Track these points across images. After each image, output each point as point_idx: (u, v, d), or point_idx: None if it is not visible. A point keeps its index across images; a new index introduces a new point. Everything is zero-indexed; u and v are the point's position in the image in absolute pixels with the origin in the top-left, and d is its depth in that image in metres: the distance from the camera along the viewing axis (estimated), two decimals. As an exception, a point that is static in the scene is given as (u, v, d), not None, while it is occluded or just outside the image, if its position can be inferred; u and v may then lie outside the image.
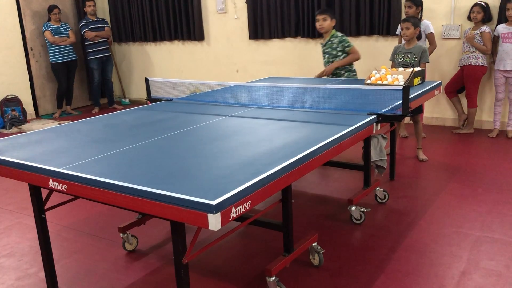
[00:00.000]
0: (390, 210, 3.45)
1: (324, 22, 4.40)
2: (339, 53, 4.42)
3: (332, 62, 4.44)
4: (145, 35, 8.02)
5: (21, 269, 2.88)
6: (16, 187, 4.28)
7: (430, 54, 4.95)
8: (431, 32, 5.03)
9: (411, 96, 3.02)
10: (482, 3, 5.07)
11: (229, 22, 7.13)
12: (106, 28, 7.72)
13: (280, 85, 3.80)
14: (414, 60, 4.34)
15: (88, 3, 7.50)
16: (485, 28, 5.02)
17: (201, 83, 4.33)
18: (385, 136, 3.65)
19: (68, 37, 7.38)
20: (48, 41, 7.24)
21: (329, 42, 4.45)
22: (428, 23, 5.03)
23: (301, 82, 4.30)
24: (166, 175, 1.89)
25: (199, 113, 3.13)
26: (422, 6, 4.98)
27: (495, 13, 5.16)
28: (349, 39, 4.49)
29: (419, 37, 4.94)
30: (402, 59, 4.38)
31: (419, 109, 4.40)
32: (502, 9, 5.04)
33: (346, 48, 4.40)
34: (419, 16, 4.98)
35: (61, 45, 7.28)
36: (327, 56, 4.51)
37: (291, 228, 2.53)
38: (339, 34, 4.46)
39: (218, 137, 2.48)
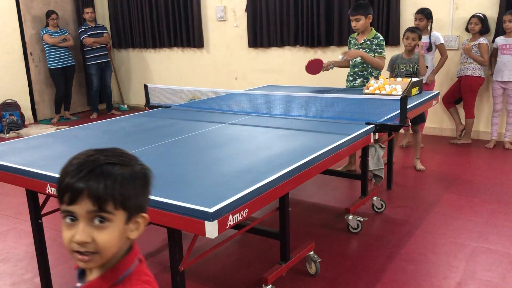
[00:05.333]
0: (387, 219, 3.45)
1: (357, 23, 4.08)
2: (371, 54, 4.14)
3: (368, 65, 4.15)
4: (144, 41, 8.04)
5: (16, 275, 2.87)
6: (13, 192, 4.26)
7: (442, 65, 5.12)
8: (442, 43, 5.07)
9: (409, 106, 3.03)
10: (480, 15, 5.11)
11: (228, 30, 7.16)
12: (104, 34, 7.74)
13: (279, 93, 3.81)
14: (416, 68, 4.37)
15: (86, 10, 7.54)
16: (482, 40, 5.06)
17: (200, 90, 4.35)
18: (382, 146, 3.66)
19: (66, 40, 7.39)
20: (47, 46, 7.24)
21: (368, 42, 4.14)
22: (438, 34, 5.08)
23: (299, 90, 4.32)
24: (164, 182, 1.90)
25: (198, 120, 3.13)
26: (432, 19, 5.02)
27: (493, 25, 5.20)
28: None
29: (429, 49, 5.01)
30: (404, 68, 4.38)
31: (421, 119, 4.42)
32: (500, 21, 5.08)
33: (376, 54, 4.12)
34: (430, 28, 5.02)
35: (59, 50, 7.28)
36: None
37: (288, 237, 2.52)
38: (381, 36, 4.16)
39: (216, 145, 2.48)
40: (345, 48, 4.42)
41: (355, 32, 4.27)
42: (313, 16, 6.25)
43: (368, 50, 4.12)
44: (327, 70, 4.33)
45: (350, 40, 4.34)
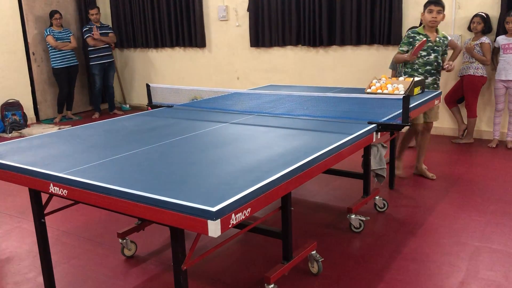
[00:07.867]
0: (389, 219, 3.45)
1: (438, 15, 3.95)
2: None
3: (440, 62, 4.11)
4: (146, 41, 8.05)
5: (19, 274, 2.88)
6: (15, 191, 4.27)
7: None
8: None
9: (411, 106, 3.03)
10: (483, 14, 5.10)
11: (230, 30, 7.16)
12: (110, 34, 7.75)
13: (281, 93, 3.81)
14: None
15: (91, 12, 7.54)
16: (484, 39, 5.05)
17: (202, 90, 4.35)
18: (385, 145, 3.66)
19: (70, 42, 7.41)
20: (50, 46, 7.27)
21: (440, 41, 4.08)
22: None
23: (301, 90, 4.32)
24: (167, 181, 1.90)
25: (200, 120, 3.14)
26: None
27: (495, 24, 5.20)
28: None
29: None
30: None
31: None
32: (502, 20, 5.07)
33: (445, 55, 4.18)
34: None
35: (62, 50, 7.31)
36: (434, 55, 4.07)
37: (290, 236, 2.53)
38: (448, 36, 4.20)
39: (218, 144, 2.48)
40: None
41: (420, 26, 4.15)
42: (315, 16, 6.25)
43: (441, 49, 4.10)
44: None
45: (414, 37, 4.08)
